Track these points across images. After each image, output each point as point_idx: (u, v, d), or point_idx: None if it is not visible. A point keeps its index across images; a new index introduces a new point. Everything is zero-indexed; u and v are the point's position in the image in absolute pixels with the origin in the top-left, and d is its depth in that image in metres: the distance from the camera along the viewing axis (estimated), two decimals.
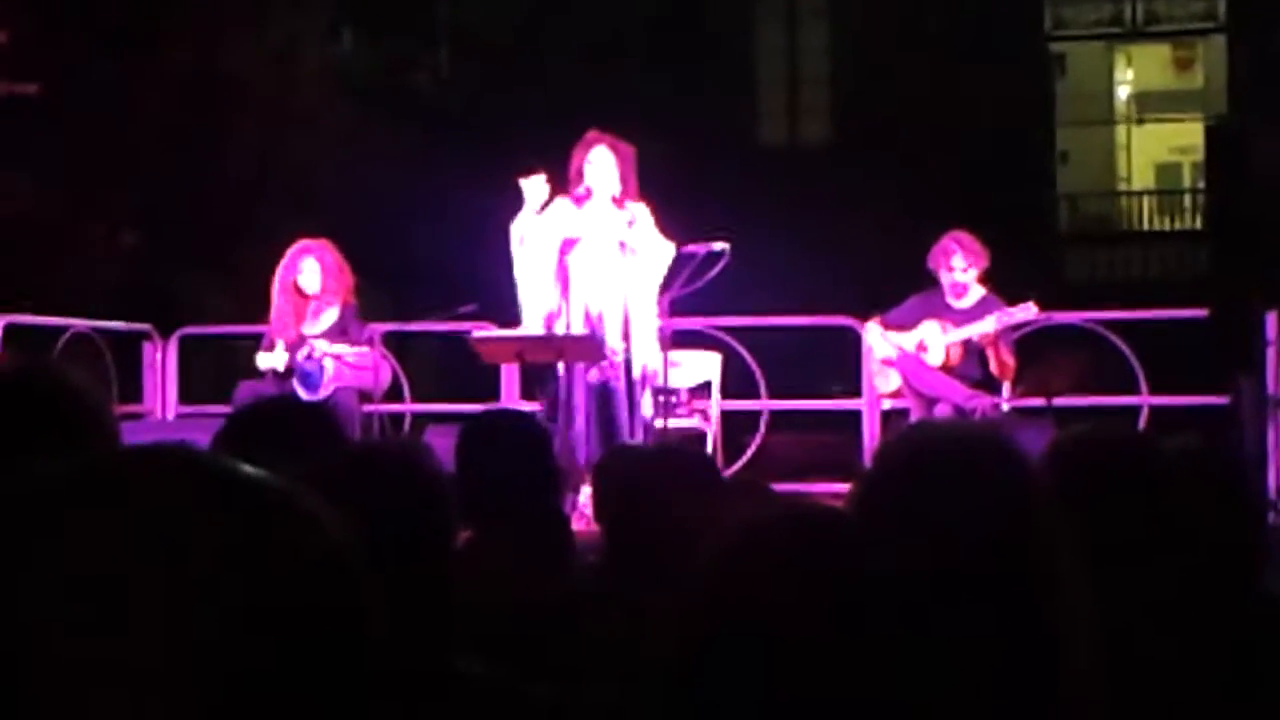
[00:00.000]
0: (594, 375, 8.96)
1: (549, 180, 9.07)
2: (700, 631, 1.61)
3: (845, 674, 1.55)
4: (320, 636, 1.11)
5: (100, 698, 1.05)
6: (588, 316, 9.03)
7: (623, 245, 9.05)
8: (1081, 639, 2.00)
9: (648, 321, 9.08)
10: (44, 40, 16.27)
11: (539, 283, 9.11)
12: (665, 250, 9.08)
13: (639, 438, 8.91)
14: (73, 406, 2.49)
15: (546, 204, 9.09)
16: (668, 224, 9.18)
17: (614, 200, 9.07)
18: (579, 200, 9.08)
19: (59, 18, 16.83)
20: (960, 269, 9.53)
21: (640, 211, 9.10)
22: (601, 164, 9.05)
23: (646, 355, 9.07)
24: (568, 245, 9.08)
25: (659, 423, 9.21)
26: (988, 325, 9.29)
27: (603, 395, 8.96)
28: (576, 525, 7.14)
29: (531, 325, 9.09)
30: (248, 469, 1.16)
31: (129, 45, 17.31)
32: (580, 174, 9.08)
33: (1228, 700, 2.87)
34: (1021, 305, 9.36)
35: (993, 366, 9.39)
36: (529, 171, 9.12)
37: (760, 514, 1.72)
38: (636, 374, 9.04)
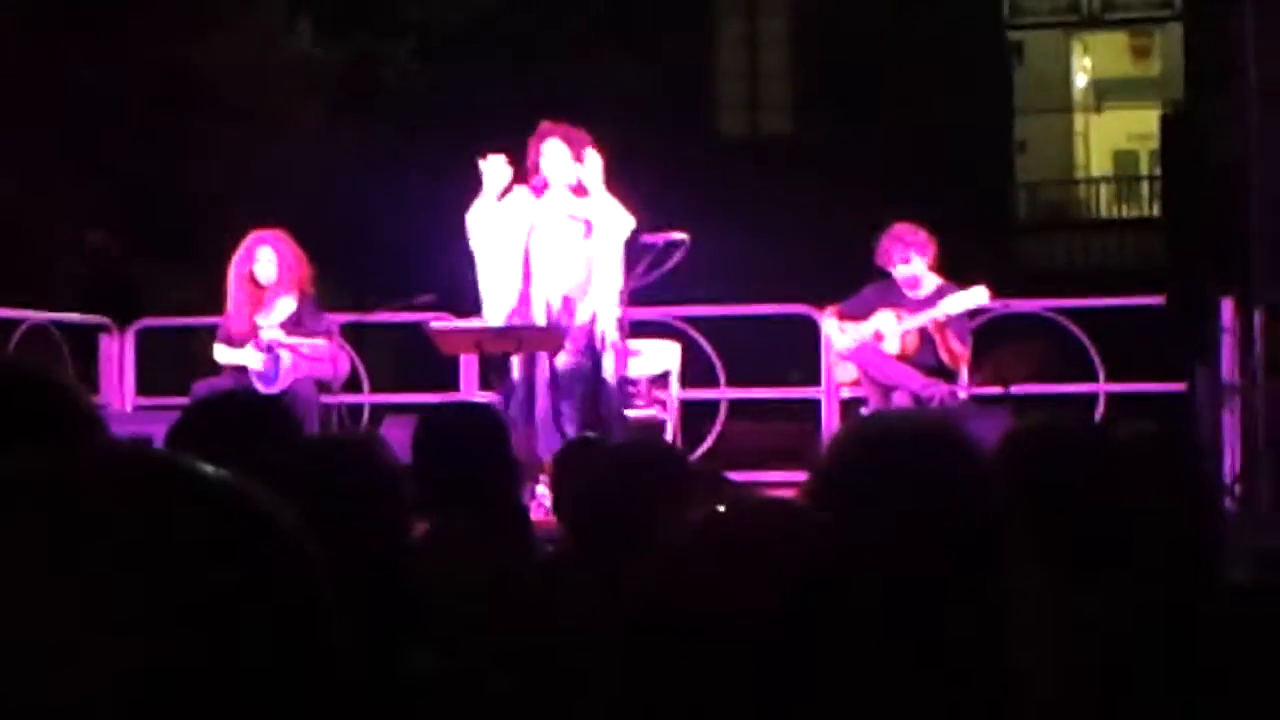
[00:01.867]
0: (564, 362, 8.95)
1: (509, 164, 9.08)
2: (651, 624, 1.62)
3: (792, 669, 1.56)
4: (275, 636, 1.10)
5: (43, 693, 1.05)
6: (549, 306, 9.03)
7: (589, 225, 9.03)
8: (1032, 630, 2.01)
9: (611, 291, 9.06)
10: (10, 37, 16.20)
11: (502, 271, 9.10)
12: (624, 221, 9.04)
13: (614, 424, 8.92)
14: (65, 406, 2.47)
15: (506, 191, 9.08)
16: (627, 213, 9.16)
17: (571, 189, 9.08)
18: (537, 190, 9.09)
19: (24, 12, 16.76)
20: (896, 258, 9.57)
21: (599, 195, 9.04)
22: (555, 156, 9.05)
23: (609, 324, 9.05)
24: (529, 231, 9.08)
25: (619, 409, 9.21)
26: (939, 311, 9.30)
27: (565, 380, 8.96)
28: (535, 515, 7.14)
29: (494, 314, 9.09)
30: (200, 465, 1.16)
31: (95, 42, 17.25)
32: (536, 167, 9.09)
33: (1185, 688, 2.88)
34: (972, 289, 9.36)
35: (941, 355, 9.40)
36: (487, 154, 9.12)
37: (714, 508, 1.72)
38: (607, 362, 9.03)
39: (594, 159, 9.05)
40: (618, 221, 9.03)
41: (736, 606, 1.58)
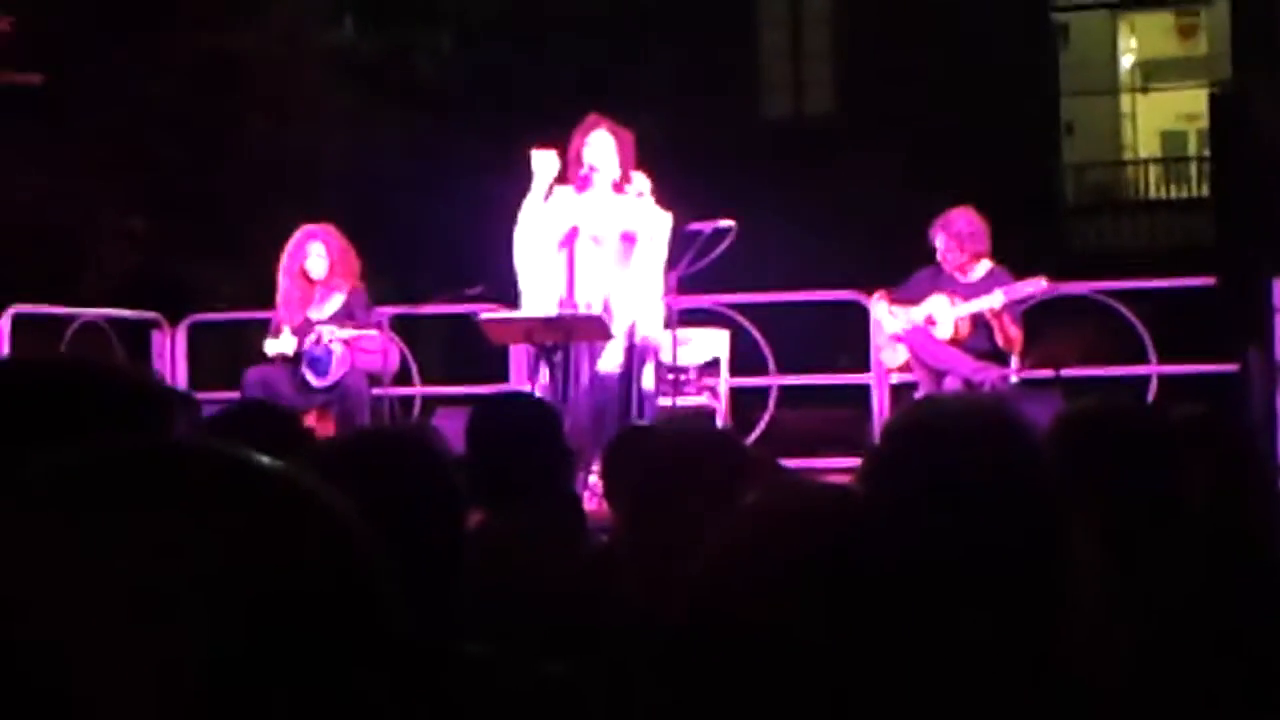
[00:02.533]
0: (605, 365, 8.94)
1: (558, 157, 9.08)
2: (706, 611, 1.62)
3: (846, 656, 1.56)
4: (331, 623, 1.11)
5: (108, 690, 1.06)
6: (593, 301, 9.03)
7: (631, 238, 9.03)
8: (1090, 611, 2.01)
9: (653, 299, 9.06)
10: (48, 29, 16.26)
11: (542, 270, 9.10)
12: (664, 223, 9.06)
13: (644, 415, 8.92)
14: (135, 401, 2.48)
15: (549, 191, 9.09)
16: (673, 201, 9.18)
17: (614, 185, 9.07)
18: (580, 185, 9.08)
19: (62, 6, 16.83)
20: (940, 250, 9.57)
21: (641, 184, 9.06)
22: (601, 148, 9.04)
23: (651, 331, 9.05)
24: (572, 233, 9.07)
25: (666, 400, 9.21)
26: (995, 299, 9.29)
27: (609, 380, 8.96)
28: (588, 505, 7.15)
29: (530, 309, 9.10)
30: (254, 456, 1.17)
31: (133, 32, 17.31)
32: (579, 158, 9.08)
33: (1237, 668, 2.87)
34: (1031, 279, 9.34)
35: (998, 339, 9.38)
36: (540, 145, 9.12)
37: (767, 495, 1.73)
38: (647, 373, 9.03)
39: (643, 179, 9.06)
40: (658, 227, 9.03)
41: (788, 592, 1.59)
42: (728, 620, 1.60)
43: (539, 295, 9.08)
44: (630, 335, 8.99)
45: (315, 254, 9.85)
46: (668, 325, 9.17)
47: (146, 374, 2.70)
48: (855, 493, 1.90)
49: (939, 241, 9.58)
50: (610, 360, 8.96)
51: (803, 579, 1.59)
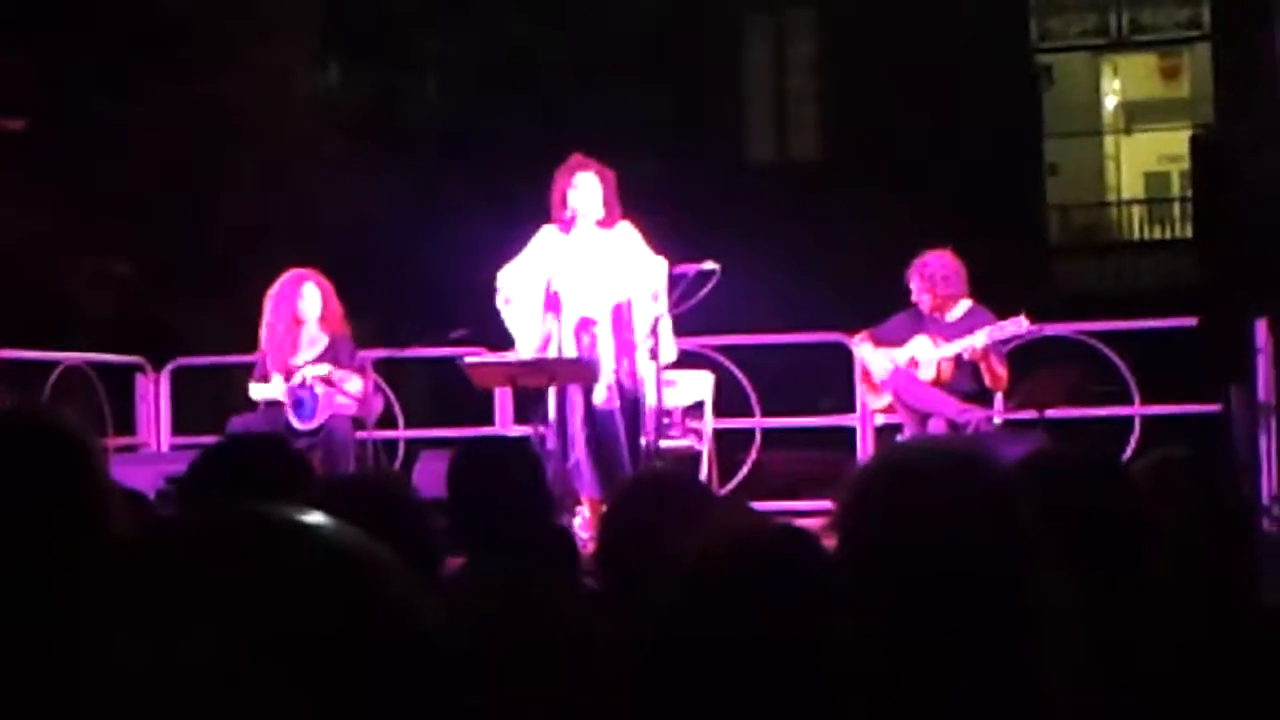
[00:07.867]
0: (600, 398, 8.94)
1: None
2: (664, 651, 1.62)
3: (790, 693, 1.56)
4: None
5: None
6: (579, 341, 9.03)
7: (619, 263, 9.04)
8: (1064, 660, 2.00)
9: (644, 341, 9.07)
10: (33, 74, 16.27)
11: (529, 311, 9.10)
12: (658, 268, 9.08)
13: (642, 458, 8.92)
14: (61, 453, 2.48)
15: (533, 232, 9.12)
16: (657, 243, 9.20)
17: (598, 224, 9.09)
18: (565, 225, 9.10)
19: (48, 52, 16.84)
20: (915, 292, 9.61)
21: (628, 232, 9.11)
22: (585, 188, 9.06)
23: (646, 373, 9.07)
24: (558, 274, 9.08)
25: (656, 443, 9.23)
26: (978, 340, 9.29)
27: (602, 419, 8.95)
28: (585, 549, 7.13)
29: (526, 351, 9.11)
30: (327, 529, 1.16)
31: (119, 78, 17.32)
32: (564, 199, 9.09)
33: (1222, 713, 2.86)
34: (1012, 319, 9.34)
35: (985, 379, 9.39)
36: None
37: (716, 536, 1.73)
38: (649, 395, 9.03)
39: (632, 230, 9.10)
40: (653, 274, 9.05)
41: (743, 629, 1.59)
42: (688, 658, 1.60)
43: (531, 336, 9.08)
44: (619, 374, 9.00)
45: (310, 295, 9.82)
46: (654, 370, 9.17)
47: (59, 417, 2.67)
48: (808, 534, 1.90)
49: (913, 284, 9.62)
50: (602, 394, 8.97)
51: (753, 618, 1.59)
